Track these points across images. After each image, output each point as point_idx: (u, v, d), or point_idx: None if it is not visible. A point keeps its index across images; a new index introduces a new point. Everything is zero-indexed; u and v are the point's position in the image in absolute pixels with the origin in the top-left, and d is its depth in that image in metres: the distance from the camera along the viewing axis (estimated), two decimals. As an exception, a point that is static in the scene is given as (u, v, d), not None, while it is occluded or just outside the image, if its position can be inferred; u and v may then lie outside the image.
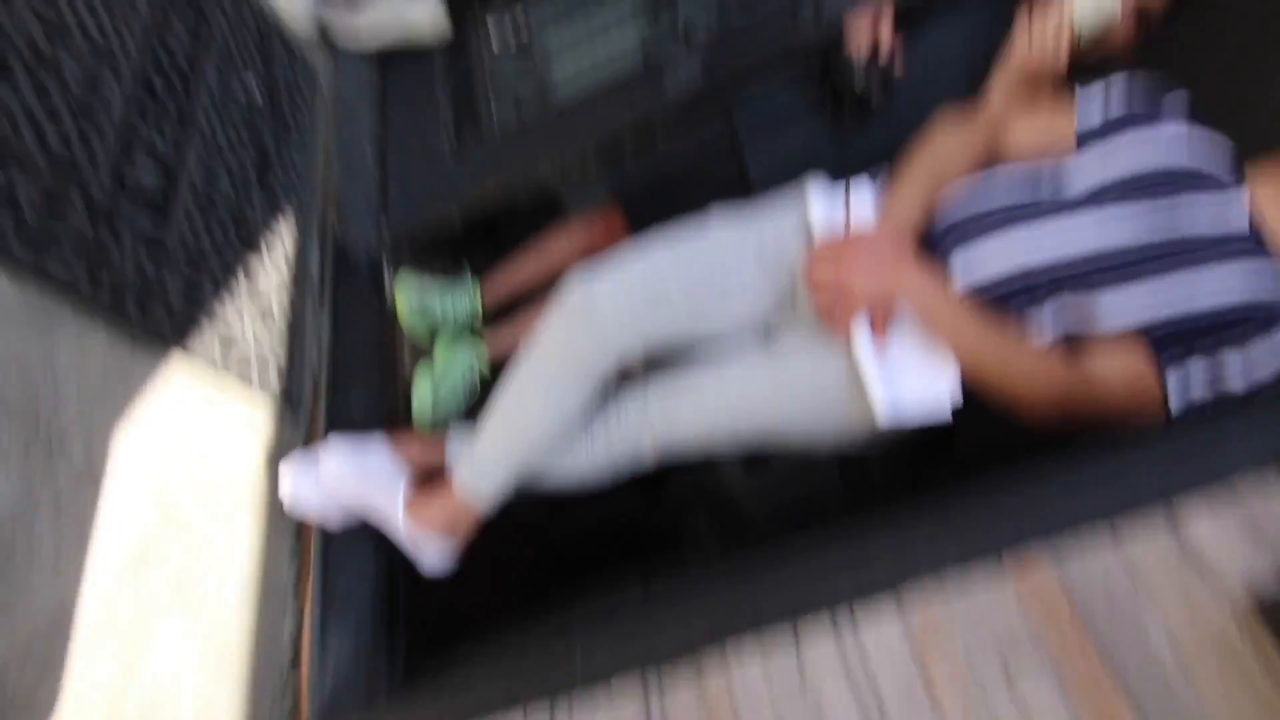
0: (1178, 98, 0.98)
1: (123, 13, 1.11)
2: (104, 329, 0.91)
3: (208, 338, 1.05)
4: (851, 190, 1.07)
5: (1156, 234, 0.88)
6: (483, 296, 1.57)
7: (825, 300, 0.94)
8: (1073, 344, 0.89)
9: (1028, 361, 0.88)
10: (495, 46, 1.76)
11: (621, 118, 1.44)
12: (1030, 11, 1.11)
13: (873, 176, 1.10)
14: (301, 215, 1.39)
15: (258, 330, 1.15)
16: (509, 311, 1.57)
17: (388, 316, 1.49)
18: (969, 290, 0.93)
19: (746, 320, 1.06)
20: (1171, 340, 0.85)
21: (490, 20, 1.80)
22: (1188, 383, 0.85)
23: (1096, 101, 1.01)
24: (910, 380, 0.92)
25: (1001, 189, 0.99)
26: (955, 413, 0.92)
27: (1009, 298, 0.92)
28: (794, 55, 1.37)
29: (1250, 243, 0.86)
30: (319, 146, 1.54)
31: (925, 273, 0.93)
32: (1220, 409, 0.83)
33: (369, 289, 1.47)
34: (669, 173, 1.50)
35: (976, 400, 0.92)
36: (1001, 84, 1.15)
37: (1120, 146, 0.95)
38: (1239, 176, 0.91)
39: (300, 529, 1.12)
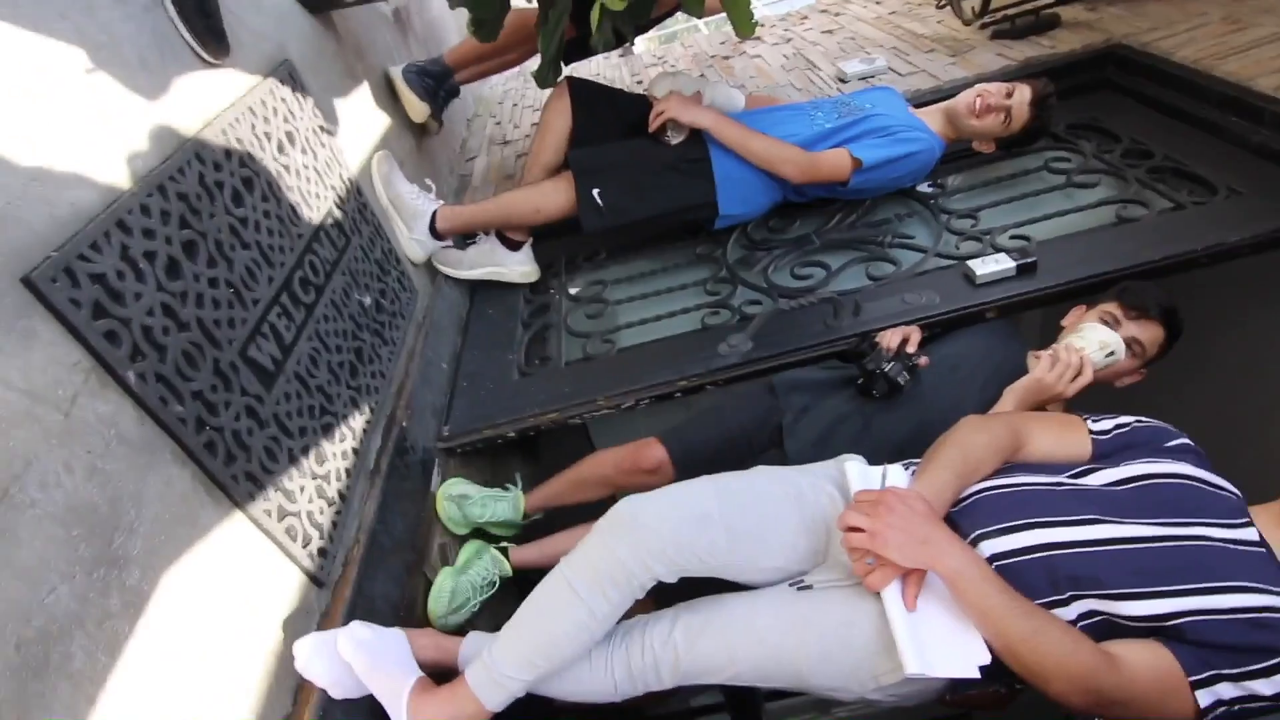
0: (1184, 445, 1.09)
1: (290, 230, 1.37)
2: (190, 472, 0.98)
3: (271, 499, 1.12)
4: (889, 471, 1.16)
5: (1174, 530, 0.94)
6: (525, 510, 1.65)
7: (859, 549, 0.98)
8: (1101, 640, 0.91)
9: (1056, 640, 0.89)
10: (573, 291, 2.04)
11: (677, 371, 1.61)
12: (1051, 349, 1.33)
13: (905, 466, 1.19)
14: (376, 408, 1.53)
15: (314, 501, 1.22)
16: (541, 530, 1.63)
17: (428, 512, 1.54)
18: (996, 568, 0.97)
19: (780, 564, 1.10)
20: (1196, 645, 0.87)
21: (572, 272, 2.11)
22: (1218, 693, 0.85)
23: (1109, 430, 1.14)
24: (939, 638, 0.92)
25: (1024, 473, 1.08)
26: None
27: (1035, 585, 0.95)
28: (833, 343, 1.58)
29: (1261, 548, 0.92)
30: (405, 354, 1.74)
31: (956, 541, 0.98)
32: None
33: (418, 483, 1.55)
34: (713, 429, 1.62)
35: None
36: (1013, 399, 1.34)
37: (1133, 464, 1.05)
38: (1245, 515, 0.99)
39: (300, 692, 1.08)
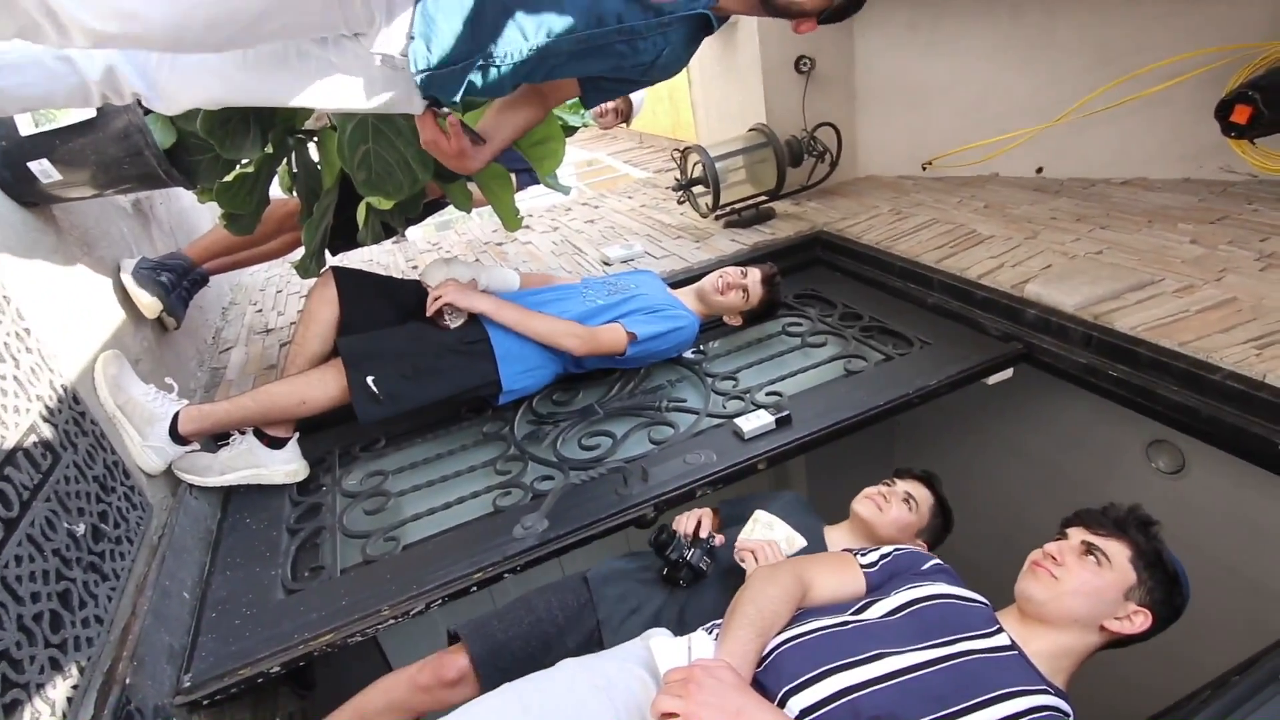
0: (936, 566, 1.24)
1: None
2: None
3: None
4: (693, 641, 1.17)
5: (946, 650, 1.03)
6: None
7: None
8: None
9: None
10: (348, 486, 1.86)
11: (471, 562, 1.51)
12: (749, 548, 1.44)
13: (709, 631, 1.21)
14: (88, 666, 1.22)
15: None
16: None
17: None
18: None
19: None
20: None
21: (348, 465, 1.95)
22: None
23: (876, 562, 1.27)
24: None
25: (814, 617, 1.14)
26: None
27: None
28: (626, 512, 1.60)
29: (1013, 650, 1.05)
30: (132, 588, 1.44)
31: (766, 707, 0.98)
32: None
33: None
34: (522, 625, 1.51)
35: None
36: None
37: (900, 591, 1.17)
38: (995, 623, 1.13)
39: None
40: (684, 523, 1.55)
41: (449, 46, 1.18)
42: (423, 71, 1.19)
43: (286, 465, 1.83)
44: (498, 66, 1.24)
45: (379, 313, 1.91)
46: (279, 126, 1.74)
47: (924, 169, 3.21)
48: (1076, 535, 1.14)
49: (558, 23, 1.20)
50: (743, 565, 1.42)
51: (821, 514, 1.71)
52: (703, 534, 1.51)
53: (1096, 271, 2.02)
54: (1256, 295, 1.76)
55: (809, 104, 3.11)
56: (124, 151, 1.66)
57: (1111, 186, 2.71)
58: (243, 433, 1.82)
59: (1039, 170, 2.95)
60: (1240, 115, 2.12)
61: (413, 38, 1.17)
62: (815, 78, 3.10)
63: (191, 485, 1.77)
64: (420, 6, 1.16)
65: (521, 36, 1.20)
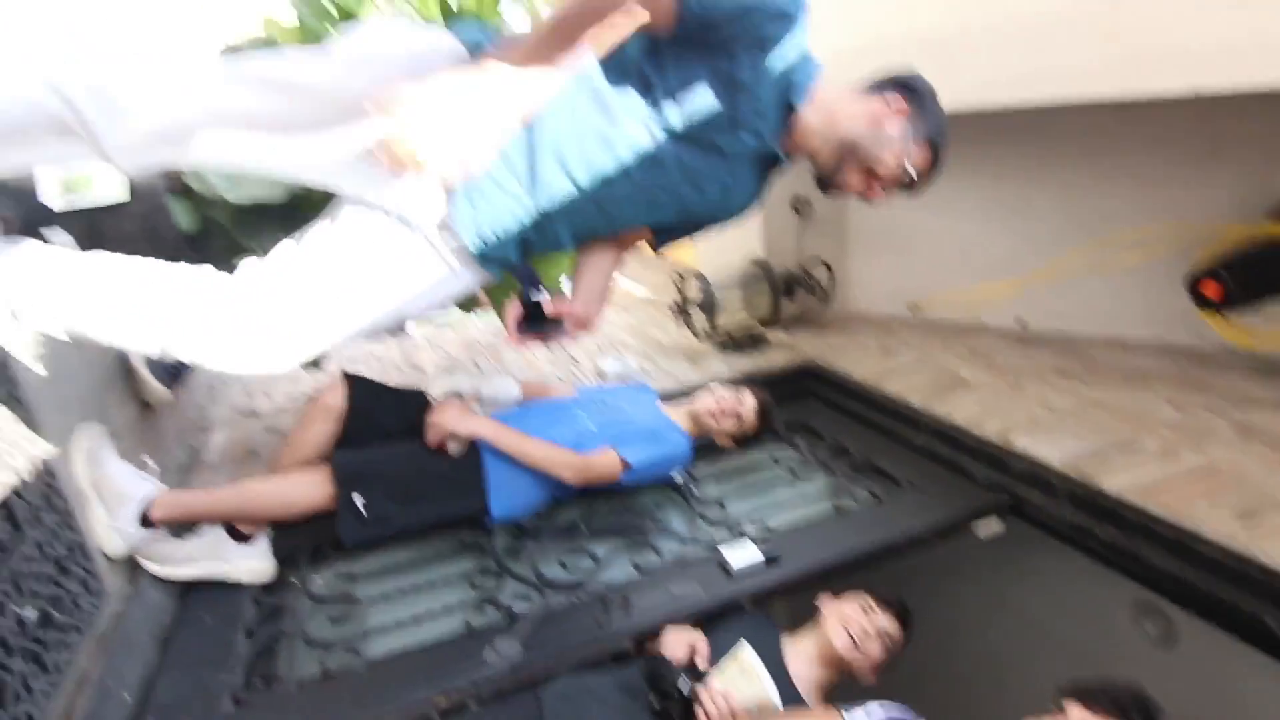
0: None
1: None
2: None
3: None
4: None
5: None
6: None
7: None
8: None
9: None
10: (315, 590, 1.77)
11: (435, 685, 1.42)
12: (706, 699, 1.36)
13: None
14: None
15: None
16: None
17: None
18: None
19: None
20: None
21: (318, 565, 1.86)
22: None
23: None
24: None
25: None
26: None
27: None
28: (604, 644, 1.53)
29: None
30: (72, 683, 1.33)
31: None
32: None
33: None
34: None
35: None
36: None
37: None
38: None
39: None
40: (674, 648, 1.46)
41: (497, 203, 1.17)
42: (470, 233, 1.18)
43: (252, 562, 1.75)
44: (553, 221, 1.21)
45: (383, 426, 1.89)
46: (298, 219, 1.79)
47: (910, 311, 3.34)
48: (1074, 712, 1.10)
49: (614, 170, 1.18)
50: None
51: (794, 621, 1.66)
52: (699, 664, 1.43)
53: (1079, 428, 2.07)
54: (1238, 466, 1.80)
55: (804, 241, 3.27)
56: (139, 229, 1.70)
57: (1091, 345, 2.82)
58: (212, 524, 1.75)
59: (1020, 322, 3.07)
60: (1211, 291, 2.25)
61: (453, 201, 1.16)
62: (810, 218, 3.27)
63: (152, 574, 1.68)
64: None
65: (574, 186, 1.18)
